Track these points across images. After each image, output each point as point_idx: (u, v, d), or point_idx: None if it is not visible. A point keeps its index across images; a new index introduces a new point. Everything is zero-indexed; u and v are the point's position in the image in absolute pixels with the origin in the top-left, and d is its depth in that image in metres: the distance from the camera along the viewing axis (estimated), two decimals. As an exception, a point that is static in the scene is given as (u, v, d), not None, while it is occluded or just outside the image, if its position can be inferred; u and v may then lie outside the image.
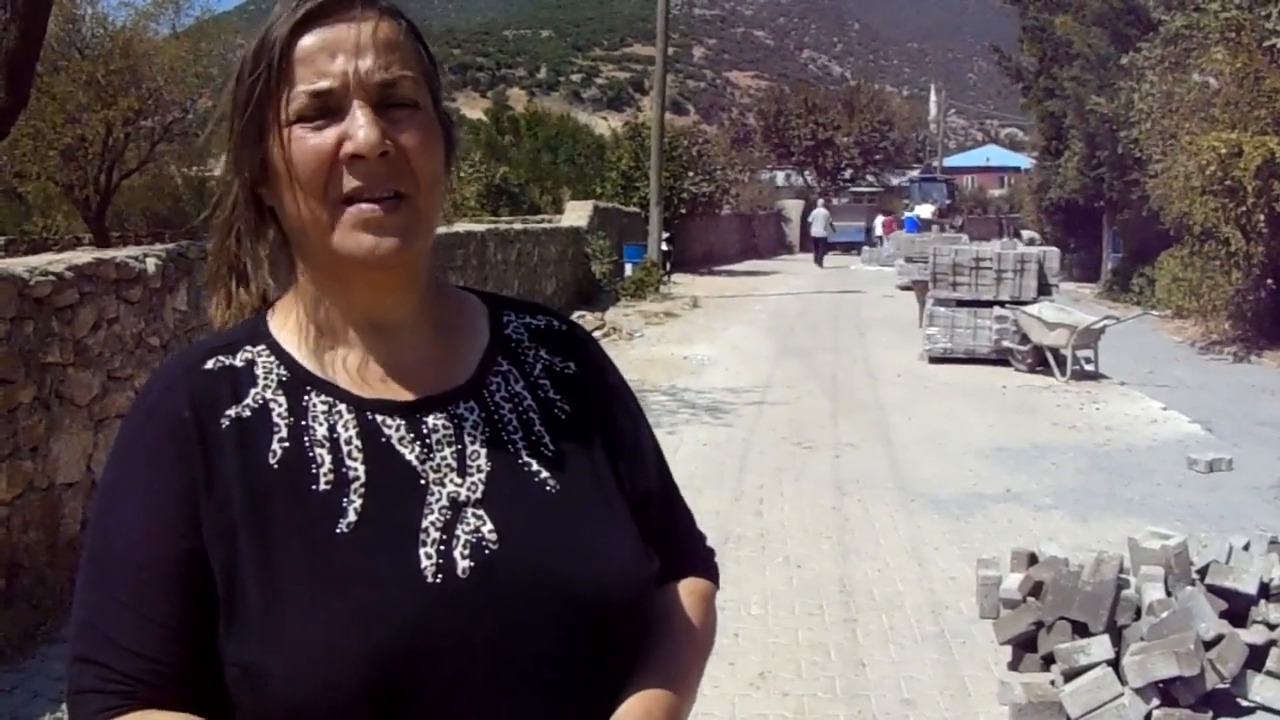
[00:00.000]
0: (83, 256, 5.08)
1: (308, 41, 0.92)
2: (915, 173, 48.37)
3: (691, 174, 25.50)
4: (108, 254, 5.34)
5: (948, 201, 38.43)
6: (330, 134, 0.92)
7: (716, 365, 11.83)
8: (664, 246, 21.04)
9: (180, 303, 5.67)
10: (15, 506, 4.36)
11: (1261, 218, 12.02)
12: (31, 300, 4.43)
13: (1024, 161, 48.70)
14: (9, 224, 18.09)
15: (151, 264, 5.37)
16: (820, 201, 34.23)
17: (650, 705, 0.98)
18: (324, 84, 0.92)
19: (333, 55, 0.92)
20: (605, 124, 47.37)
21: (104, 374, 4.92)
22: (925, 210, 33.99)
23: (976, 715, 3.81)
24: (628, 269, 19.49)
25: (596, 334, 13.62)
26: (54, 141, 13.90)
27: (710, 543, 1.21)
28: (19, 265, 4.60)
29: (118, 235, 16.30)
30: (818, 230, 30.59)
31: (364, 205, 0.92)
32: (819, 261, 29.77)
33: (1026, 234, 29.77)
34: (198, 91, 15.66)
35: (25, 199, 16.74)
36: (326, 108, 0.92)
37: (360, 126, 0.91)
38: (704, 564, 1.17)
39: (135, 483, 0.94)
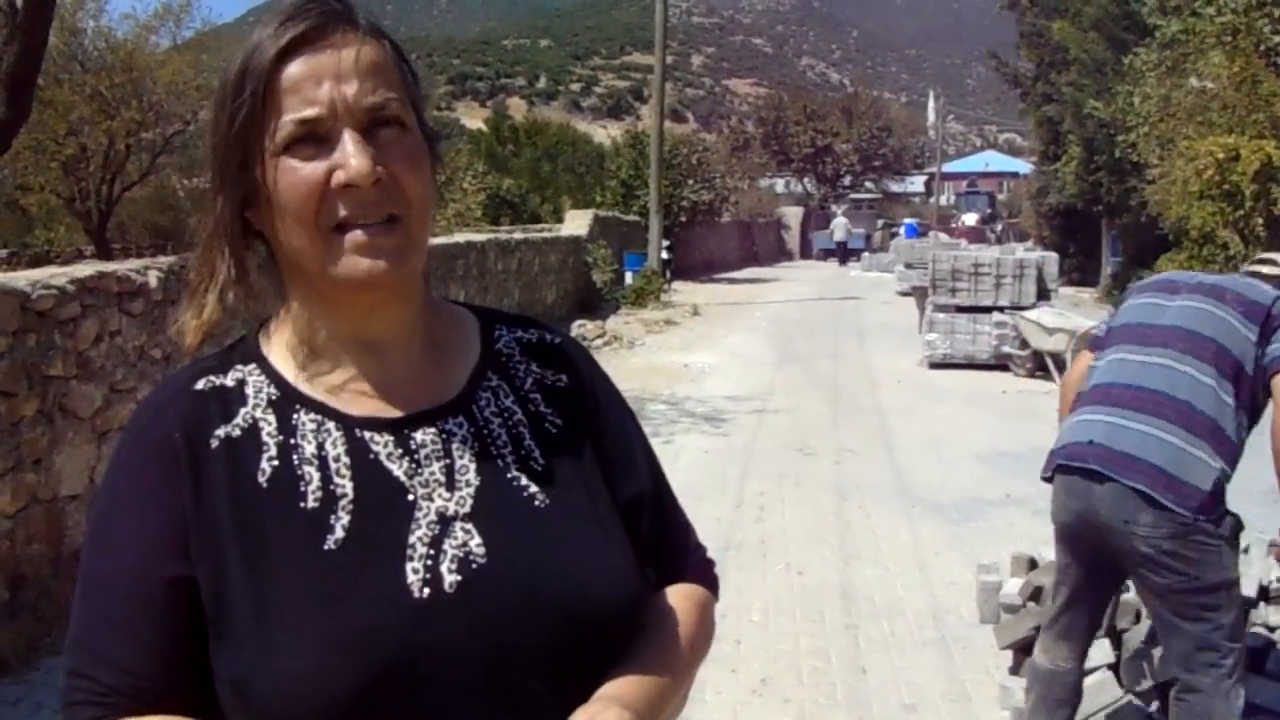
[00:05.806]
0: (84, 269, 5.10)
1: (293, 70, 0.92)
2: (963, 185, 54.71)
3: (691, 182, 25.53)
4: (109, 267, 5.36)
5: (989, 210, 43.62)
6: (321, 164, 0.91)
7: (717, 373, 11.84)
8: (664, 255, 21.06)
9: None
10: (19, 519, 4.38)
11: (1259, 221, 12.05)
12: (34, 313, 4.45)
13: (1023, 167, 49.57)
14: (11, 237, 18.16)
15: (153, 277, 5.39)
16: (841, 210, 38.22)
17: (615, 694, 0.94)
18: (311, 111, 0.91)
19: (318, 82, 0.91)
20: (605, 133, 47.45)
21: (106, 386, 4.94)
22: (970, 218, 39.61)
23: (977, 720, 3.83)
24: (628, 277, 19.48)
25: (597, 342, 13.65)
26: (55, 153, 13.96)
27: (711, 550, 1.20)
28: (21, 279, 4.61)
29: (119, 247, 16.35)
30: (839, 235, 35.01)
31: (357, 230, 0.92)
32: (843, 263, 33.33)
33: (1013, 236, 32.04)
34: (199, 104, 15.74)
35: (27, 211, 16.80)
36: (315, 135, 0.92)
37: (352, 156, 0.90)
38: (701, 573, 1.15)
39: (126, 505, 0.96)
